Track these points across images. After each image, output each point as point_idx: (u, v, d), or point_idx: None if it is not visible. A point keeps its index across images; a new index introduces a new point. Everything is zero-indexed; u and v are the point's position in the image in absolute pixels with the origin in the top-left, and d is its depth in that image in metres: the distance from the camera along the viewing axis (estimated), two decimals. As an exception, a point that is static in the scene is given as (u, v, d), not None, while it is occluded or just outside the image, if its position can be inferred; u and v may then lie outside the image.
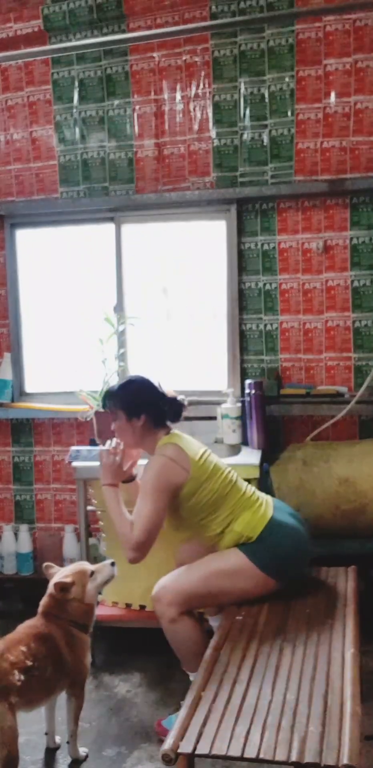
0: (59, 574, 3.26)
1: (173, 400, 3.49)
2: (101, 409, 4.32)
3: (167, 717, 3.38)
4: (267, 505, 3.37)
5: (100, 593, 3.67)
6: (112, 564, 3.35)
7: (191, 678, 3.04)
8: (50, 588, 3.21)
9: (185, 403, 3.54)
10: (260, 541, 3.23)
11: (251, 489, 3.45)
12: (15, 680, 2.82)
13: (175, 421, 3.50)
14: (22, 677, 2.85)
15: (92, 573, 3.27)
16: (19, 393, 4.99)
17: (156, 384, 3.52)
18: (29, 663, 2.91)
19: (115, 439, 3.50)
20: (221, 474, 3.37)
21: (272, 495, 4.11)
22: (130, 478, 3.58)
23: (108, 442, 3.52)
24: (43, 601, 3.23)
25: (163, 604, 3.21)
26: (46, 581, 3.27)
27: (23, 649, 2.94)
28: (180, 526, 3.45)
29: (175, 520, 3.42)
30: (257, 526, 3.26)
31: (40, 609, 3.22)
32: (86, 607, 3.22)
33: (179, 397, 3.52)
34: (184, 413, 3.53)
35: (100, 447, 3.67)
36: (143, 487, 3.31)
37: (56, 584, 3.17)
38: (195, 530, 3.41)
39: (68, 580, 3.19)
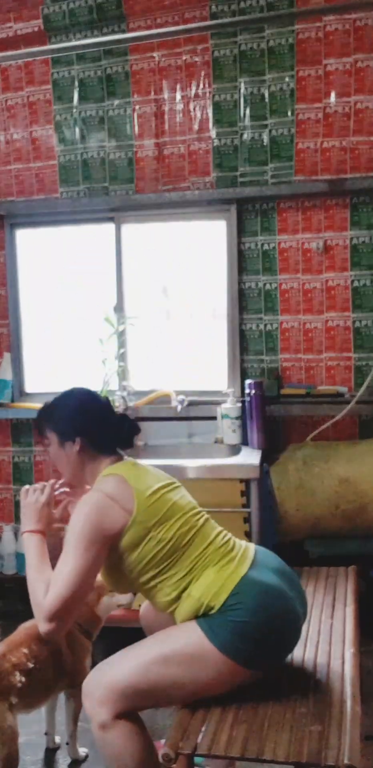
0: None
1: (123, 419, 2.80)
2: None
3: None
4: (242, 559, 2.50)
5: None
6: (134, 593, 3.21)
7: None
8: None
9: (138, 428, 2.82)
10: (224, 611, 2.37)
11: (225, 536, 2.60)
12: (16, 681, 2.82)
13: (125, 447, 2.78)
14: (23, 679, 2.85)
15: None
16: (19, 393, 4.99)
17: (101, 398, 2.83)
18: (30, 665, 2.91)
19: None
20: (182, 516, 2.54)
21: (272, 495, 4.12)
22: None
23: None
24: None
25: (93, 701, 2.39)
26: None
27: (25, 650, 2.93)
28: (124, 588, 2.81)
29: (115, 579, 2.66)
30: (221, 590, 2.40)
31: None
32: (95, 617, 3.22)
33: (131, 415, 2.88)
34: (137, 439, 2.88)
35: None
36: (68, 536, 2.51)
37: None
38: (144, 594, 2.63)
39: None
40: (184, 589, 2.47)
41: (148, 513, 2.49)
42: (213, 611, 2.39)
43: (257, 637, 2.35)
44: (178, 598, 2.48)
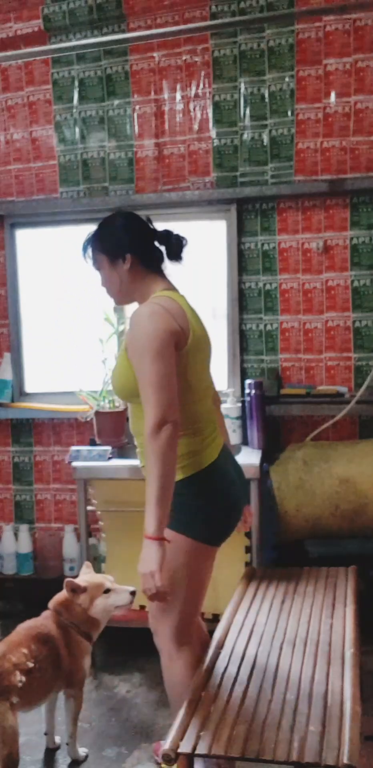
0: (80, 577, 3.29)
1: (168, 233, 2.87)
2: (101, 409, 4.34)
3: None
4: (216, 445, 2.80)
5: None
6: (132, 593, 3.25)
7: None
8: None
9: (185, 239, 2.90)
10: (181, 492, 2.62)
11: (212, 418, 2.87)
12: (16, 681, 2.83)
13: (176, 260, 2.87)
14: (23, 678, 2.86)
15: (108, 591, 3.25)
16: (19, 393, 4.99)
17: (142, 217, 2.91)
18: (30, 664, 2.92)
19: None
20: (205, 373, 2.84)
21: (272, 495, 4.13)
22: None
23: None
24: (57, 597, 3.27)
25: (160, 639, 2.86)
26: (46, 581, 3.29)
27: (24, 650, 2.96)
28: (123, 394, 2.88)
29: (123, 382, 2.78)
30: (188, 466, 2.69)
31: (51, 603, 3.25)
32: (90, 619, 3.22)
33: (176, 232, 2.89)
34: (185, 252, 2.89)
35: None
36: (132, 348, 2.63)
37: (68, 582, 3.21)
38: (131, 413, 2.83)
39: (81, 584, 3.21)
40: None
41: (193, 352, 2.68)
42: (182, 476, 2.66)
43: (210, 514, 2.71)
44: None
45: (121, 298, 2.92)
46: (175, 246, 2.87)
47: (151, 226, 2.91)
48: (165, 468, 2.51)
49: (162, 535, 2.51)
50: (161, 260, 2.87)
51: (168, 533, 2.56)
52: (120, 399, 3.01)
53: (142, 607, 4.13)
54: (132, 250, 2.78)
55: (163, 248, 2.87)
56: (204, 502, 2.72)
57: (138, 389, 2.61)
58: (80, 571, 3.42)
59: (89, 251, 2.91)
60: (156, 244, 2.88)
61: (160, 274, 2.86)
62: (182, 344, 2.64)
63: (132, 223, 2.88)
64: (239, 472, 2.96)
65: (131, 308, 2.77)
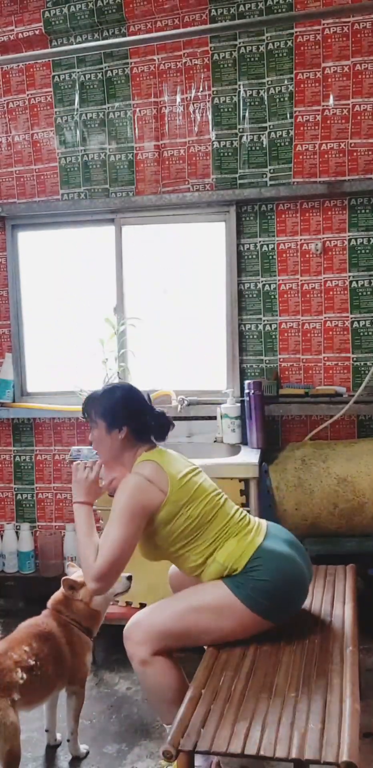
0: (75, 574, 3.30)
1: (161, 415, 3.14)
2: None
3: None
4: (258, 531, 2.96)
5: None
6: (129, 578, 3.30)
7: (167, 730, 2.74)
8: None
9: (172, 424, 3.19)
10: (246, 572, 2.82)
11: (242, 513, 3.05)
12: (18, 678, 2.85)
13: (161, 439, 3.15)
14: (25, 675, 2.88)
15: None
16: (21, 393, 5.02)
17: (144, 395, 3.19)
18: (32, 662, 2.94)
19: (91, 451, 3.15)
20: (206, 497, 2.96)
21: (271, 494, 4.15)
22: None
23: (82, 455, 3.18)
24: (54, 596, 3.28)
25: (133, 642, 2.86)
26: (47, 579, 3.30)
27: (26, 648, 2.97)
28: (155, 556, 3.07)
29: (149, 548, 3.05)
30: (242, 556, 2.85)
31: (49, 603, 3.26)
32: (92, 612, 3.25)
33: (168, 414, 3.18)
34: (171, 432, 3.17)
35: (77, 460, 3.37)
36: (113, 509, 2.91)
37: (65, 580, 3.22)
38: (173, 561, 3.08)
39: (78, 580, 3.23)
40: (209, 556, 2.89)
41: (180, 494, 2.90)
42: (236, 573, 2.83)
43: (274, 593, 2.80)
44: (203, 563, 2.90)
45: (109, 459, 3.11)
46: (163, 428, 3.15)
47: (149, 403, 3.18)
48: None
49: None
50: (151, 433, 3.13)
51: (236, 602, 2.79)
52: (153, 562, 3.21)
53: (143, 605, 4.16)
54: (129, 423, 3.05)
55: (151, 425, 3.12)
56: (261, 583, 2.82)
57: (161, 546, 2.97)
58: (67, 571, 3.43)
59: (88, 411, 3.14)
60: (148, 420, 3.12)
61: (146, 440, 3.11)
62: (158, 508, 2.90)
63: (133, 398, 3.15)
64: (301, 551, 3.03)
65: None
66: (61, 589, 3.26)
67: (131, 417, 3.06)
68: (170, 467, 2.97)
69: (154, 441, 3.13)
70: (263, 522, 3.07)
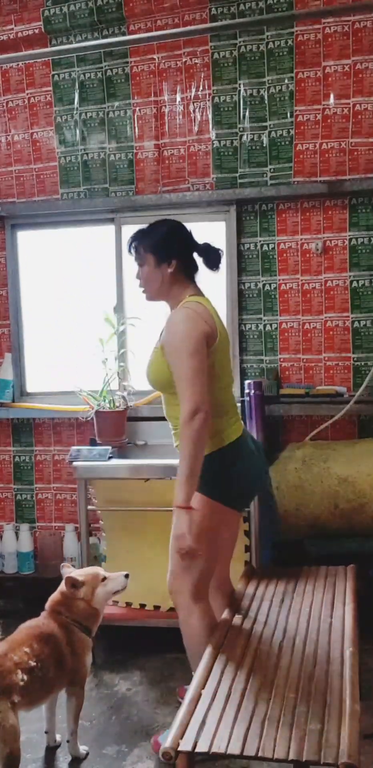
0: (73, 573, 3.30)
1: (207, 245, 3.19)
2: (101, 409, 4.36)
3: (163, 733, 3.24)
4: (238, 427, 3.15)
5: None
6: (126, 576, 3.34)
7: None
8: (62, 584, 3.26)
9: (221, 251, 3.22)
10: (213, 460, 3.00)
11: (236, 403, 3.28)
12: (18, 680, 2.84)
13: (215, 267, 3.19)
14: (25, 677, 2.87)
15: (104, 579, 3.31)
16: (20, 393, 5.02)
17: (186, 227, 3.21)
18: (32, 663, 2.93)
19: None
20: (227, 366, 3.18)
21: (272, 494, 4.15)
22: None
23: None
24: (52, 597, 3.28)
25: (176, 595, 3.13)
26: (47, 580, 3.30)
27: (26, 649, 2.96)
28: (159, 385, 3.16)
29: (159, 373, 3.10)
30: (222, 438, 3.06)
31: (48, 605, 3.26)
32: (92, 611, 3.26)
33: (214, 245, 3.20)
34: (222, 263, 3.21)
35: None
36: (169, 348, 2.98)
37: (68, 578, 3.23)
38: (166, 399, 3.16)
39: (80, 578, 3.23)
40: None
41: (220, 348, 3.03)
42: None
43: (234, 483, 3.08)
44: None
45: (156, 296, 3.19)
46: (214, 257, 3.18)
47: (194, 239, 3.19)
48: (195, 450, 2.88)
49: (189, 505, 2.89)
50: (197, 270, 3.19)
51: (195, 497, 2.92)
52: (154, 389, 3.33)
53: (143, 606, 4.17)
54: (179, 256, 3.10)
55: (201, 259, 3.19)
56: (227, 471, 3.05)
57: (170, 381, 2.99)
58: (61, 572, 3.42)
59: (136, 246, 3.15)
60: (194, 255, 3.19)
61: (193, 280, 3.18)
62: (211, 343, 2.98)
63: (181, 231, 3.18)
64: (259, 448, 3.32)
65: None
66: (59, 590, 3.26)
67: (180, 249, 3.11)
68: (217, 319, 3.07)
69: (201, 288, 3.18)
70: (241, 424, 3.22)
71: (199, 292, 3.16)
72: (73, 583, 3.22)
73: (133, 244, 3.16)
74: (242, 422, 3.28)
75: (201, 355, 2.90)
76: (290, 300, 4.54)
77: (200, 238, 3.21)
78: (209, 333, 2.96)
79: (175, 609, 3.22)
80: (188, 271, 3.15)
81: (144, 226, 3.21)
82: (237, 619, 3.03)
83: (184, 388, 2.90)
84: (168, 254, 3.08)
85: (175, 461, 3.11)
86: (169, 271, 3.09)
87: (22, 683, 2.85)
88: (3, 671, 2.83)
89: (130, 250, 3.19)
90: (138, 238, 3.15)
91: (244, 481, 3.16)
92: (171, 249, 3.09)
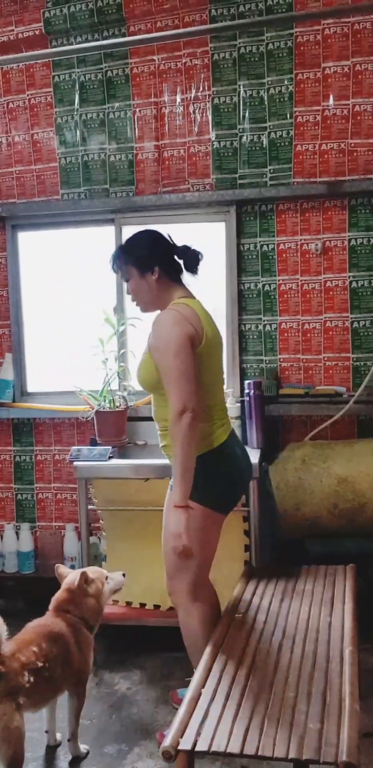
0: (73, 574, 3.31)
1: (186, 247, 3.26)
2: (102, 409, 4.37)
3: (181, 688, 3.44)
4: (225, 429, 3.22)
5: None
6: (124, 575, 3.45)
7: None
8: (67, 583, 3.29)
9: (201, 254, 3.28)
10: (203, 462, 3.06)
11: (225, 406, 3.32)
12: (24, 681, 2.83)
13: (193, 270, 3.27)
14: (32, 678, 2.86)
15: (107, 577, 3.37)
16: (21, 393, 5.02)
17: (164, 234, 3.30)
18: (40, 664, 2.92)
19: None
20: (217, 371, 3.25)
21: (271, 494, 4.16)
22: None
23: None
24: (58, 596, 3.29)
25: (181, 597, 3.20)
26: (47, 579, 3.31)
27: (34, 649, 2.95)
28: (148, 385, 3.22)
29: (148, 374, 3.16)
30: (210, 442, 3.13)
31: (52, 604, 3.27)
32: (99, 608, 3.29)
33: (193, 247, 3.27)
34: (201, 263, 3.27)
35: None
36: (155, 350, 3.06)
37: (83, 572, 3.25)
38: (155, 399, 3.24)
39: (90, 576, 3.26)
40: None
41: (206, 351, 3.06)
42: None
43: (222, 486, 3.15)
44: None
45: (150, 306, 3.26)
46: (192, 259, 3.25)
47: (172, 242, 3.28)
48: (187, 449, 2.95)
49: (186, 503, 2.97)
50: (180, 272, 3.27)
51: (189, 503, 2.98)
52: (144, 390, 3.41)
53: (143, 605, 4.18)
54: (159, 262, 3.17)
55: (181, 261, 3.26)
56: (215, 477, 3.11)
57: (159, 382, 3.05)
58: (56, 573, 3.43)
59: (118, 264, 3.27)
60: (176, 257, 3.26)
61: (180, 283, 3.26)
62: (197, 344, 3.02)
63: (158, 237, 3.28)
64: (244, 452, 3.40)
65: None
66: (66, 588, 3.27)
67: (160, 255, 3.20)
68: (207, 321, 3.12)
69: (189, 289, 3.24)
70: (230, 427, 3.29)
71: (188, 294, 3.23)
72: (87, 579, 3.25)
73: (115, 263, 3.28)
74: (231, 425, 3.33)
75: (186, 356, 2.96)
76: (290, 300, 4.55)
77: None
78: (193, 335, 3.01)
79: (174, 608, 3.25)
80: (173, 275, 3.23)
81: (121, 244, 3.38)
82: (237, 619, 3.04)
83: (171, 388, 2.98)
84: (149, 263, 3.17)
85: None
86: (154, 278, 3.17)
87: (28, 685, 2.84)
88: (9, 672, 2.81)
89: (113, 269, 3.32)
90: (118, 254, 3.28)
91: (225, 485, 3.20)
92: (151, 257, 3.18)
